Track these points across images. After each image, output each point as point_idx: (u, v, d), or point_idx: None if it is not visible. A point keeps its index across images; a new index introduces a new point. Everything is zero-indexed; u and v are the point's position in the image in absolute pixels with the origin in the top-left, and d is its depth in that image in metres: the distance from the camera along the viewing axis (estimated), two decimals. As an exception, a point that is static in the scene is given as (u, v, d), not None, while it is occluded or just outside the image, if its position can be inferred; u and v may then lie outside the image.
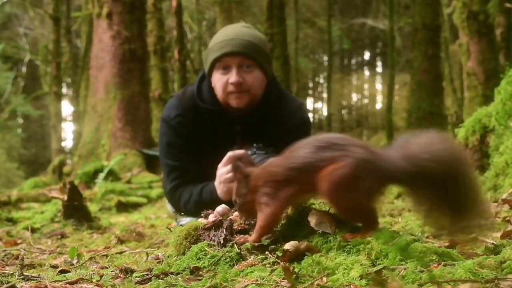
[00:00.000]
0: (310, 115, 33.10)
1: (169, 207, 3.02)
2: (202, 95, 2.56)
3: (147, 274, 1.47)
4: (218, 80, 2.46)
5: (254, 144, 2.31)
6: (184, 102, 2.57)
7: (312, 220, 1.50)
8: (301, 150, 1.47)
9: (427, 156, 1.37)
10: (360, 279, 1.20)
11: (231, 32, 2.44)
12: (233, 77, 2.40)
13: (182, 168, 2.54)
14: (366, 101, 34.52)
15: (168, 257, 1.64)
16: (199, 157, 2.48)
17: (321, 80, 33.39)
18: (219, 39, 2.44)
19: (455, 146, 1.43)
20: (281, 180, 1.48)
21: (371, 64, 34.32)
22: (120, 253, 2.16)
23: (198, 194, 2.49)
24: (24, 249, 2.35)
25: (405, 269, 1.22)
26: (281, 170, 1.48)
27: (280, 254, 1.42)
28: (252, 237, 1.53)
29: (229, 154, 2.27)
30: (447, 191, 1.37)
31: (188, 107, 2.55)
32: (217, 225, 1.62)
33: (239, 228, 1.63)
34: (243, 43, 2.39)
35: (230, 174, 2.28)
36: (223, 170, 2.31)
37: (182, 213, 2.63)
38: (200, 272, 1.43)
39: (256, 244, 1.51)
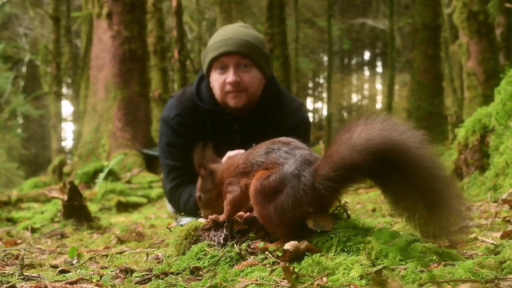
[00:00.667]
0: (310, 115, 33.12)
1: (169, 207, 3.02)
2: (201, 95, 2.56)
3: (147, 274, 1.47)
4: (216, 80, 2.46)
5: (253, 144, 2.32)
6: (183, 102, 2.58)
7: (310, 222, 1.50)
8: (259, 148, 1.63)
9: (363, 147, 1.40)
10: (360, 279, 1.20)
11: (229, 32, 2.45)
12: (230, 76, 2.40)
13: (182, 168, 2.54)
14: (366, 101, 34.51)
15: (168, 257, 1.64)
16: None
17: (321, 80, 33.38)
18: (216, 39, 2.45)
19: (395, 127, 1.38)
20: (241, 171, 1.64)
21: (371, 64, 34.31)
22: (120, 253, 2.16)
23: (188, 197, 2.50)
24: (24, 249, 2.35)
25: (405, 269, 1.22)
26: (242, 163, 1.65)
27: (280, 254, 1.42)
28: (222, 216, 1.65)
29: (228, 154, 2.28)
30: (413, 184, 1.36)
31: (187, 107, 2.55)
32: (217, 225, 1.62)
33: (239, 228, 1.63)
34: (240, 42, 2.40)
35: None
36: None
37: (182, 213, 2.64)
38: (200, 272, 1.43)
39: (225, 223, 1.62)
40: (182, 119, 2.54)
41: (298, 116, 2.57)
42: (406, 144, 1.36)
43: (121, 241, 2.69)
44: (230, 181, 1.65)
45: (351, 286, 1.18)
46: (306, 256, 1.37)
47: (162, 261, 1.68)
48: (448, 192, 1.34)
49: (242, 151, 2.31)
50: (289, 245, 1.43)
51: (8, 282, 1.34)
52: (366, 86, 34.34)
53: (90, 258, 1.95)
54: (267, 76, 2.54)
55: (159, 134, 2.66)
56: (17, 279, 1.46)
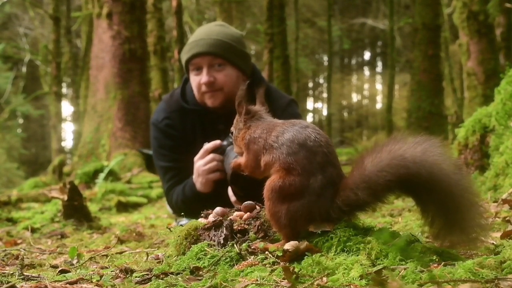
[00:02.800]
0: (310, 115, 33.13)
1: (168, 208, 3.03)
2: (186, 96, 2.59)
3: (147, 274, 1.47)
4: (193, 81, 2.49)
5: (230, 134, 2.34)
6: (171, 105, 2.61)
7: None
8: (294, 140, 1.52)
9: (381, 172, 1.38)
10: (360, 279, 1.20)
11: (201, 33, 2.46)
12: (203, 77, 2.42)
13: (175, 168, 2.57)
14: (366, 101, 34.52)
15: (168, 257, 1.64)
16: (191, 157, 2.50)
17: (321, 80, 33.38)
18: (190, 40, 2.47)
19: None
20: (268, 148, 1.56)
21: (371, 64, 34.32)
22: (120, 253, 2.16)
23: (182, 192, 2.52)
24: (24, 249, 2.35)
25: (405, 269, 1.22)
26: (273, 141, 1.55)
27: (280, 254, 1.42)
28: (241, 159, 1.67)
29: (205, 146, 2.30)
30: (434, 199, 1.35)
31: (174, 109, 2.58)
32: (217, 225, 1.62)
33: (239, 228, 1.63)
34: (211, 42, 2.40)
35: (207, 166, 2.31)
36: (200, 163, 2.34)
37: (177, 213, 2.66)
38: (200, 272, 1.43)
39: None
40: (170, 121, 2.56)
41: (288, 113, 2.55)
42: (441, 169, 1.34)
43: (121, 241, 2.69)
44: (254, 146, 1.59)
45: (351, 286, 1.18)
46: (306, 256, 1.37)
47: (162, 261, 1.68)
48: (475, 221, 1.33)
49: (217, 142, 2.33)
50: (289, 245, 1.43)
51: (8, 282, 1.34)
52: (366, 86, 34.35)
53: (90, 258, 1.95)
54: (247, 73, 2.53)
55: (151, 139, 2.69)
56: (17, 279, 1.46)
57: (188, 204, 2.49)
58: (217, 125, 2.53)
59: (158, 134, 2.60)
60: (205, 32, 2.44)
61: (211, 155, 2.33)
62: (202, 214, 1.80)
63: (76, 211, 3.37)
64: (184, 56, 2.46)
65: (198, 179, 2.38)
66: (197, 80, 2.44)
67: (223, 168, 2.33)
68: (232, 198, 2.27)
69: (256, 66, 2.69)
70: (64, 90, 20.40)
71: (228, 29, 2.51)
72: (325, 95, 29.89)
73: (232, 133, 2.31)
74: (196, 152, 2.42)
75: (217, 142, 2.33)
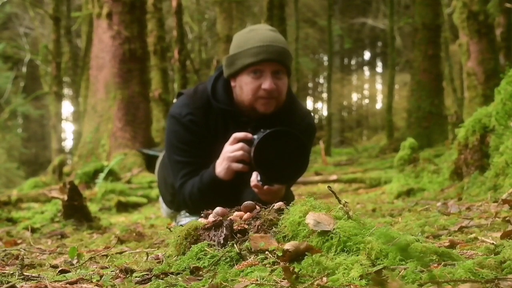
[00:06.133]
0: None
1: (163, 210, 3.00)
2: (217, 94, 2.54)
3: (147, 274, 1.47)
4: (248, 83, 2.42)
5: (262, 130, 2.33)
6: (195, 101, 2.54)
7: (310, 221, 1.50)
8: None
9: None
10: (360, 279, 1.20)
11: (265, 38, 2.43)
12: (267, 83, 2.39)
13: (193, 163, 2.51)
14: (366, 101, 34.54)
15: (168, 257, 1.64)
16: (209, 156, 2.46)
17: (321, 80, 33.40)
18: (252, 44, 2.41)
19: None
20: None
21: (371, 64, 34.34)
22: (120, 253, 2.16)
23: (199, 179, 2.48)
24: (24, 249, 2.35)
25: (405, 269, 1.22)
26: None
27: (280, 254, 1.42)
28: None
29: (235, 134, 2.29)
30: None
31: (199, 106, 2.53)
32: (217, 225, 1.62)
33: (239, 228, 1.63)
34: (280, 50, 2.41)
35: (233, 153, 2.31)
36: (228, 148, 2.34)
37: (189, 208, 2.62)
38: (200, 272, 1.43)
39: None
40: (194, 117, 2.51)
41: (306, 122, 2.61)
42: None
43: (121, 241, 2.69)
44: None
45: (351, 286, 1.18)
46: (306, 256, 1.37)
47: (162, 261, 1.68)
48: None
49: (249, 135, 2.32)
50: (289, 245, 1.43)
51: (8, 282, 1.34)
52: (366, 86, 34.37)
53: (90, 258, 1.95)
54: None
55: (167, 132, 2.60)
56: (17, 279, 1.46)
57: (204, 191, 2.46)
58: (246, 128, 2.49)
59: (179, 128, 2.52)
60: (268, 38, 2.42)
61: (240, 144, 2.32)
62: (202, 214, 1.80)
63: (76, 211, 3.37)
64: (249, 59, 2.39)
65: (222, 164, 2.37)
66: (256, 84, 2.41)
67: (249, 161, 2.32)
68: (253, 182, 2.28)
69: None
70: (64, 90, 20.40)
71: (281, 36, 2.53)
72: (325, 95, 29.90)
73: (262, 130, 2.32)
74: (215, 152, 2.41)
75: (248, 134, 2.33)
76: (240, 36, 2.51)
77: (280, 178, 2.29)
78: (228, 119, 2.51)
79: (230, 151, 2.32)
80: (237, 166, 2.33)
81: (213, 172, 2.40)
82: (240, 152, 2.32)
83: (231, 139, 2.33)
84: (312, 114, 2.78)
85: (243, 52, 2.42)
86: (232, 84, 2.49)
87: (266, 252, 1.47)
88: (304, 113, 2.65)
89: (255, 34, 2.47)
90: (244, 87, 2.44)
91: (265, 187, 2.28)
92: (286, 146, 2.25)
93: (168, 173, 2.73)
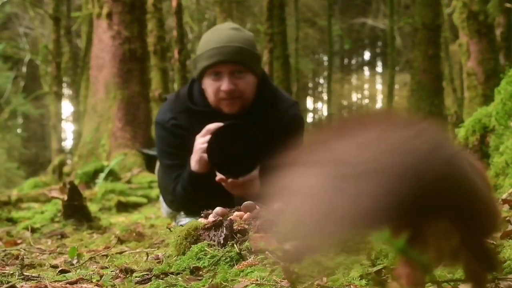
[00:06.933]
0: (310, 115, 33.13)
1: (163, 210, 3.02)
2: (194, 97, 2.57)
3: (147, 274, 1.47)
4: (210, 86, 2.46)
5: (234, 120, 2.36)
6: (178, 105, 2.59)
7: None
8: None
9: None
10: (360, 279, 1.20)
11: (222, 38, 2.43)
12: (225, 84, 2.40)
13: (183, 165, 2.55)
14: (366, 101, 34.53)
15: (168, 257, 1.64)
16: None
17: (321, 80, 33.39)
18: (209, 45, 2.43)
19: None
20: None
21: (371, 64, 34.32)
22: (120, 253, 2.16)
23: (182, 178, 2.52)
24: (24, 249, 2.35)
25: (405, 269, 1.21)
26: None
27: (280, 254, 1.42)
28: None
29: (207, 126, 2.30)
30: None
31: (181, 110, 2.57)
32: (217, 225, 1.62)
33: (239, 228, 1.63)
34: (235, 50, 2.39)
35: (204, 145, 2.31)
36: (200, 140, 2.35)
37: (181, 208, 2.64)
38: (200, 272, 1.43)
39: None
40: (177, 121, 2.55)
41: (291, 115, 2.56)
42: None
43: (121, 241, 2.69)
44: None
45: (351, 286, 1.18)
46: (306, 256, 1.37)
47: (162, 261, 1.68)
48: None
49: (221, 124, 2.31)
50: (289, 245, 1.43)
51: (8, 282, 1.34)
52: (366, 86, 34.36)
53: (90, 258, 1.95)
54: (259, 76, 2.53)
55: (156, 138, 2.67)
56: (17, 279, 1.46)
57: (186, 188, 2.50)
58: None
59: (164, 133, 2.58)
60: (225, 39, 2.42)
61: (209, 135, 2.34)
62: (202, 214, 1.80)
63: (76, 211, 3.37)
64: (204, 62, 2.42)
65: (194, 157, 2.39)
66: (216, 86, 2.42)
67: None
68: (218, 176, 2.31)
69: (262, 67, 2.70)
70: (64, 90, 20.40)
71: (244, 33, 2.51)
72: (325, 95, 29.90)
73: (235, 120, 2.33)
74: None
75: (220, 124, 2.33)
76: (203, 38, 2.54)
77: (233, 171, 2.30)
78: (208, 120, 2.53)
79: (201, 143, 2.34)
80: (207, 156, 2.35)
81: (189, 167, 2.43)
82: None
83: (203, 130, 2.34)
84: (298, 104, 2.69)
85: (201, 55, 2.45)
86: (202, 86, 2.52)
87: (266, 252, 1.47)
88: (288, 104, 2.60)
89: (213, 35, 2.48)
90: (207, 90, 2.47)
91: (229, 180, 2.29)
92: (240, 139, 2.28)
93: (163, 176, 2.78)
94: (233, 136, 2.29)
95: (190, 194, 2.48)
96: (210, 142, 2.28)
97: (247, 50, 2.43)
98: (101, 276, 1.51)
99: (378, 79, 34.01)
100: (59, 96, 14.99)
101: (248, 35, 2.51)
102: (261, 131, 2.44)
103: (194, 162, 2.40)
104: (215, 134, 2.28)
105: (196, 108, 2.53)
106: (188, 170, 2.44)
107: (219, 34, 2.47)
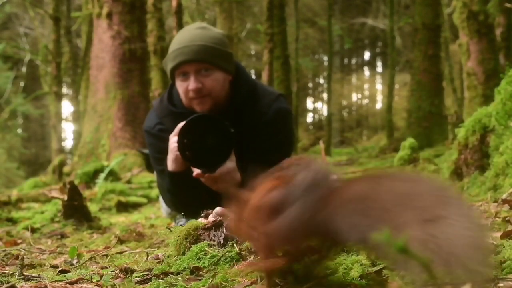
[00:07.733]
0: (310, 115, 33.13)
1: (163, 210, 3.03)
2: (173, 100, 2.57)
3: (147, 274, 1.47)
4: (179, 87, 2.46)
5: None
6: (162, 110, 2.61)
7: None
8: None
9: None
10: (360, 279, 1.20)
11: (184, 39, 2.42)
12: (191, 84, 2.39)
13: None
14: (366, 101, 34.54)
15: (168, 257, 1.64)
16: None
17: (321, 80, 33.40)
18: (174, 46, 2.43)
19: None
20: None
21: (371, 64, 34.34)
22: (120, 253, 2.16)
23: (166, 180, 2.52)
24: (24, 249, 2.35)
25: (405, 269, 1.21)
26: None
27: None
28: None
29: (179, 125, 2.30)
30: None
31: (165, 115, 2.58)
32: (217, 225, 1.62)
33: (239, 228, 1.63)
34: (196, 49, 2.38)
35: (175, 143, 2.32)
36: (173, 139, 2.35)
37: (174, 210, 2.66)
38: (200, 272, 1.43)
39: None
40: (163, 126, 2.56)
41: (275, 109, 2.50)
42: None
43: (121, 241, 2.69)
44: None
45: (351, 286, 1.18)
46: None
47: (162, 261, 1.68)
48: None
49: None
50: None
51: (8, 282, 1.34)
52: (366, 86, 34.37)
53: (90, 258, 1.95)
54: (231, 73, 2.51)
55: (147, 145, 2.69)
56: (17, 279, 1.46)
57: (170, 190, 2.53)
58: None
59: (152, 140, 2.60)
60: (188, 38, 2.41)
61: None
62: (202, 214, 1.80)
63: (76, 211, 3.37)
64: (169, 64, 2.43)
65: (169, 157, 2.40)
66: (184, 86, 2.42)
67: None
68: (195, 172, 2.32)
69: (240, 63, 2.64)
70: (64, 90, 20.40)
71: (210, 31, 2.48)
72: (325, 95, 29.90)
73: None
74: None
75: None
76: (173, 40, 2.53)
77: (207, 164, 2.31)
78: None
79: (174, 142, 2.33)
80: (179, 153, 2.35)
81: (167, 168, 2.44)
82: None
83: (175, 129, 2.33)
84: (283, 96, 2.62)
85: (168, 57, 2.46)
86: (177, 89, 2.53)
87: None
88: (271, 98, 2.55)
89: (178, 36, 2.48)
90: (179, 90, 2.48)
91: (206, 175, 2.29)
92: (208, 131, 2.28)
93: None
94: (201, 129, 2.27)
95: (175, 194, 2.50)
96: (179, 139, 2.27)
97: (211, 48, 2.40)
98: (101, 276, 1.51)
99: (378, 79, 34.02)
100: (59, 96, 14.99)
101: (214, 33, 2.48)
102: (242, 127, 2.42)
103: (170, 162, 2.40)
104: (182, 130, 2.27)
105: (176, 110, 2.53)
106: (167, 171, 2.44)
107: (184, 34, 2.46)
